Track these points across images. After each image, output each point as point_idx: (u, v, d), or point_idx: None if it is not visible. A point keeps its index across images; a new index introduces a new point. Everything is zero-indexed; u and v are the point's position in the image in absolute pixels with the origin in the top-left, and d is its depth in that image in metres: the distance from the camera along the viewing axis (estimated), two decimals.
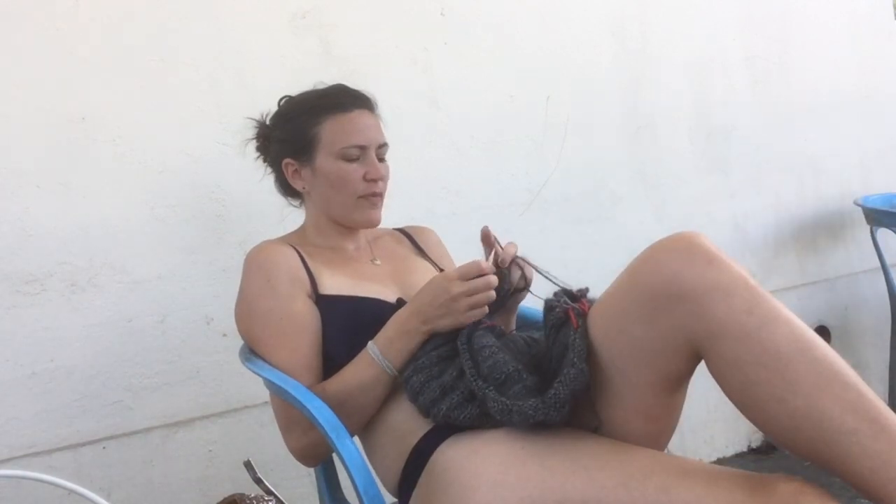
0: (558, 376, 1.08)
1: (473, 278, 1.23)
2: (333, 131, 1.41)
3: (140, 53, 1.71)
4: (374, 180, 1.42)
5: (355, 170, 1.41)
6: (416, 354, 1.26)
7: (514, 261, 1.32)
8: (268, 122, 1.50)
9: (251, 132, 1.52)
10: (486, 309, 1.24)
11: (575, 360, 1.07)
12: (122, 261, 1.69)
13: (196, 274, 1.76)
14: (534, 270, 1.32)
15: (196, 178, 1.76)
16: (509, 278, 1.31)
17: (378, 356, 1.26)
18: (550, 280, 1.26)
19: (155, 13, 1.73)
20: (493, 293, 1.24)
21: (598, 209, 2.33)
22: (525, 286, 1.35)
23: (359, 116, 1.42)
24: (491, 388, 1.11)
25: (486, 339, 1.18)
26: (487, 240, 1.35)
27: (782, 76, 2.70)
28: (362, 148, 1.41)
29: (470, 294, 1.22)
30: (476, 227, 1.37)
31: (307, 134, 1.42)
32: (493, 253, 1.33)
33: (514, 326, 1.43)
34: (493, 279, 1.24)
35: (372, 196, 1.43)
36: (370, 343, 1.28)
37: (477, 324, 1.23)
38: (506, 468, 1.08)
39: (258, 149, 1.52)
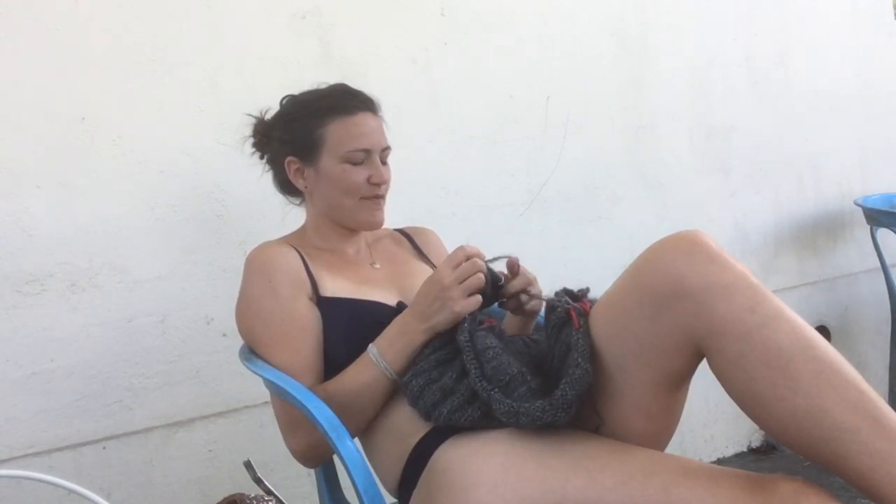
0: (563, 377, 1.08)
1: (461, 264, 1.24)
2: (338, 134, 1.40)
3: (140, 53, 1.71)
4: (378, 184, 1.42)
5: (359, 173, 1.41)
6: (415, 359, 1.26)
7: (519, 294, 1.31)
8: (267, 120, 1.50)
9: (250, 130, 1.52)
10: (481, 298, 1.24)
11: (579, 360, 1.07)
12: (122, 261, 1.69)
13: (196, 274, 1.76)
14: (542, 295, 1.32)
15: (196, 178, 1.76)
16: (493, 279, 1.31)
17: (378, 359, 1.26)
18: (553, 299, 1.25)
19: (155, 13, 1.73)
20: (482, 276, 1.24)
21: (598, 209, 2.33)
22: (531, 313, 1.35)
23: (363, 119, 1.42)
24: (496, 389, 1.11)
25: (490, 340, 1.17)
26: (512, 270, 1.32)
27: (782, 76, 2.70)
28: (367, 151, 1.41)
29: (461, 280, 1.23)
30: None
31: (311, 135, 1.41)
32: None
33: (530, 332, 1.41)
34: (481, 263, 1.25)
35: (375, 199, 1.43)
36: (371, 346, 1.28)
37: (476, 321, 1.22)
38: (506, 468, 1.08)
39: (255, 145, 1.52)
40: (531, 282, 1.32)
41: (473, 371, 1.14)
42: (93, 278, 1.66)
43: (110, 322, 1.67)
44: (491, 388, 1.11)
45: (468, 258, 1.25)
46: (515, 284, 1.31)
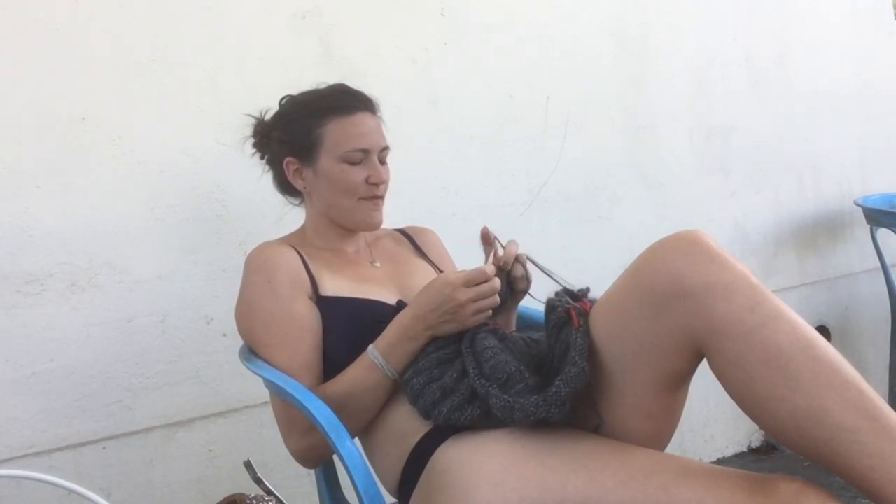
0: (560, 374, 1.08)
1: (478, 284, 1.23)
2: (337, 134, 1.40)
3: (140, 53, 1.71)
4: (377, 183, 1.42)
5: (357, 173, 1.41)
6: (416, 357, 1.26)
7: (517, 259, 1.32)
8: (266, 120, 1.50)
9: (250, 130, 1.52)
10: (490, 312, 1.24)
11: (576, 358, 1.08)
12: (122, 261, 1.69)
13: (196, 274, 1.76)
14: (535, 269, 1.32)
15: (196, 178, 1.76)
16: (508, 280, 1.31)
17: (378, 360, 1.26)
18: (554, 279, 1.26)
19: (155, 13, 1.73)
20: (497, 298, 1.24)
21: (598, 209, 2.33)
22: (526, 287, 1.35)
23: (362, 119, 1.42)
24: (493, 386, 1.12)
25: (489, 341, 1.18)
26: (487, 239, 1.37)
27: (782, 76, 2.70)
28: (365, 151, 1.41)
29: (476, 300, 1.23)
30: (476, 227, 1.38)
31: (310, 135, 1.41)
32: (493, 254, 1.33)
33: (514, 326, 1.43)
34: (498, 283, 1.25)
35: (373, 199, 1.43)
36: (371, 347, 1.28)
37: (480, 326, 1.23)
38: (506, 468, 1.08)
39: (255, 146, 1.52)
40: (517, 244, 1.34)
41: (472, 371, 1.15)
42: (93, 278, 1.66)
43: (110, 322, 1.67)
44: (489, 384, 1.12)
45: (487, 280, 1.24)
46: (510, 251, 1.31)
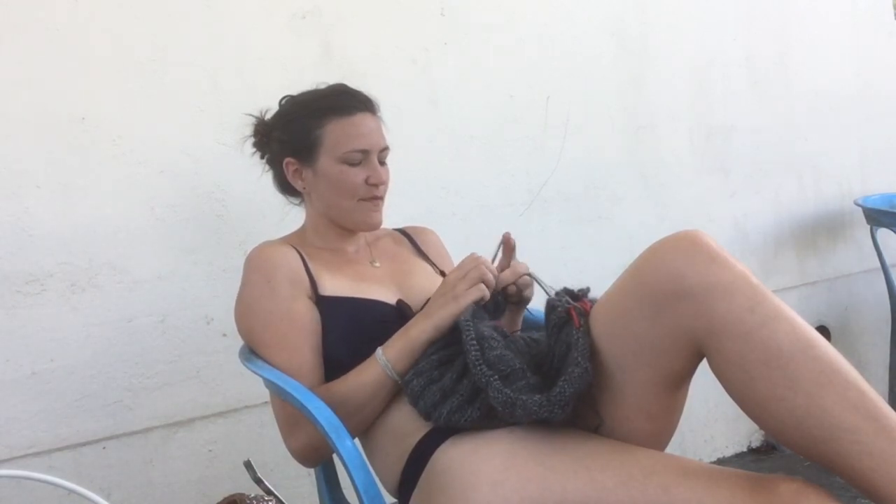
0: (563, 375, 1.08)
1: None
2: (336, 134, 1.40)
3: (140, 53, 1.71)
4: (376, 184, 1.42)
5: (357, 173, 1.40)
6: (417, 359, 1.26)
7: (521, 277, 1.33)
8: (266, 120, 1.50)
9: (250, 130, 1.52)
10: (485, 288, 1.25)
11: (579, 359, 1.07)
12: (122, 261, 1.69)
13: (196, 274, 1.76)
14: (536, 286, 1.33)
15: (196, 178, 1.76)
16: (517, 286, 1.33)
17: (380, 356, 1.26)
18: (550, 297, 1.26)
19: (155, 13, 1.73)
20: (484, 269, 1.26)
21: (598, 209, 2.33)
22: (531, 294, 1.36)
23: (362, 120, 1.42)
24: (495, 377, 1.11)
25: (494, 333, 1.18)
26: (507, 246, 1.37)
27: (782, 76, 2.70)
28: (364, 152, 1.41)
29: (463, 275, 1.25)
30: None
31: (309, 136, 1.41)
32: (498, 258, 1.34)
33: (519, 327, 1.43)
34: (488, 261, 1.27)
35: (373, 199, 1.43)
36: (379, 350, 1.28)
37: (481, 310, 1.23)
38: (506, 468, 1.08)
39: (255, 145, 1.52)
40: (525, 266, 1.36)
41: (473, 353, 1.13)
42: (93, 278, 1.66)
43: (110, 322, 1.67)
44: (491, 374, 1.11)
45: (476, 261, 1.27)
46: (519, 268, 1.33)
